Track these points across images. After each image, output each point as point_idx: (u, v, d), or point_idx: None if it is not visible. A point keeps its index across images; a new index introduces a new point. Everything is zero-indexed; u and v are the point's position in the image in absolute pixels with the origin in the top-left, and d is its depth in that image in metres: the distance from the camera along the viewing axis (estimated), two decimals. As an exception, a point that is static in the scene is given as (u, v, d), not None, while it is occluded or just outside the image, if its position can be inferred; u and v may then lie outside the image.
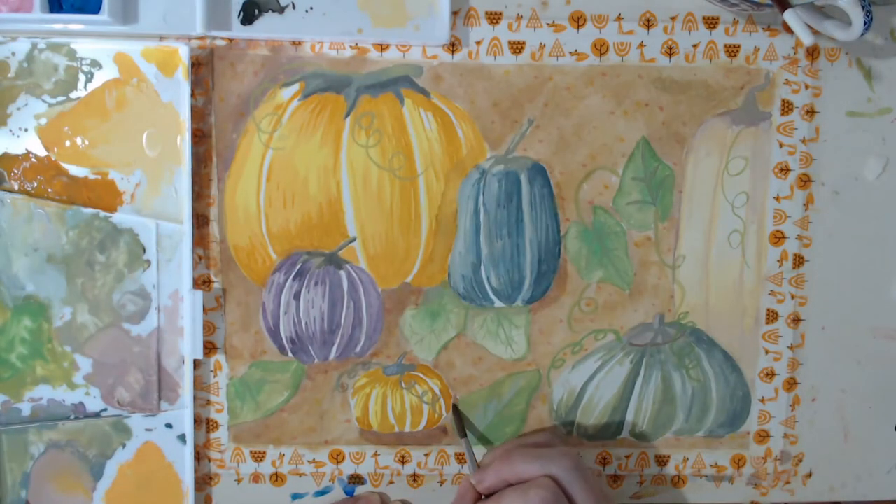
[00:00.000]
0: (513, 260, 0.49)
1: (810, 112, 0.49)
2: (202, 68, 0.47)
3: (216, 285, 0.49)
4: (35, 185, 0.47)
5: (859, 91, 0.49)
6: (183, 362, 0.48)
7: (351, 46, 0.47)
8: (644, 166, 0.49)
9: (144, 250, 0.47)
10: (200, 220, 0.48)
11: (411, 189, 0.48)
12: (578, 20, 0.48)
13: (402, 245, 0.49)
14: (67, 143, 0.47)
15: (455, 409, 0.49)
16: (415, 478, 0.51)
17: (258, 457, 0.50)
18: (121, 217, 0.47)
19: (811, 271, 0.50)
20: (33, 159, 0.47)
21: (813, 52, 0.48)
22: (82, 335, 0.48)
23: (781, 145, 0.49)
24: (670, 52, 0.48)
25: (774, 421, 0.51)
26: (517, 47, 0.48)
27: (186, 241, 0.47)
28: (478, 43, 0.48)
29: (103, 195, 0.47)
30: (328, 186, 0.48)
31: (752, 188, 0.49)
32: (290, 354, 0.49)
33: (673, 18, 0.48)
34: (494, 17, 0.48)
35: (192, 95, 0.47)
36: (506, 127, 0.48)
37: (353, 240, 0.48)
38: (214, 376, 0.49)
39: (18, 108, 0.46)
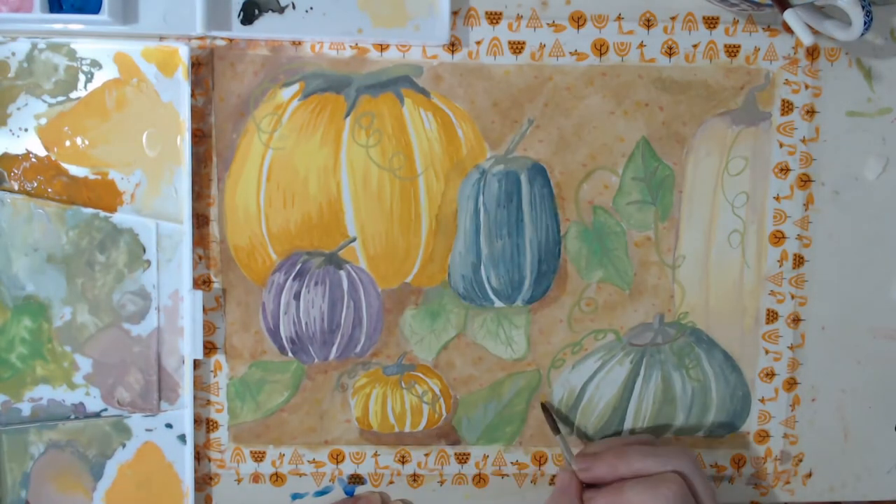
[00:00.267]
0: (513, 260, 0.49)
1: (810, 112, 0.49)
2: (202, 68, 0.47)
3: (216, 285, 0.49)
4: (35, 185, 0.47)
5: (859, 91, 0.49)
6: (183, 362, 0.48)
7: (351, 46, 0.47)
8: (644, 166, 0.49)
9: (144, 250, 0.47)
10: (200, 220, 0.48)
11: (411, 189, 0.48)
12: (578, 20, 0.48)
13: (402, 245, 0.49)
14: (67, 143, 0.47)
15: (544, 407, 0.49)
16: (415, 478, 0.51)
17: (258, 457, 0.50)
18: (121, 217, 0.47)
19: (811, 271, 0.50)
20: (33, 159, 0.47)
21: (813, 52, 0.48)
22: (82, 335, 0.48)
23: (781, 145, 0.49)
24: (670, 52, 0.48)
25: (774, 421, 0.51)
26: (517, 47, 0.48)
27: (186, 241, 0.47)
28: (478, 43, 0.48)
29: (103, 195, 0.47)
30: (328, 186, 0.48)
31: (752, 188, 0.49)
32: (290, 354, 0.49)
33: (673, 18, 0.48)
34: (494, 17, 0.48)
35: (192, 95, 0.47)
36: (506, 127, 0.48)
37: (353, 240, 0.48)
38: (214, 376, 0.49)
39: (18, 108, 0.46)
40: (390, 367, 0.50)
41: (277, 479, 0.50)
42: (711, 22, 0.48)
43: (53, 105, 0.47)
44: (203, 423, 0.49)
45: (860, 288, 0.50)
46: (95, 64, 0.46)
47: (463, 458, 0.51)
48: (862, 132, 0.49)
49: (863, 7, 0.42)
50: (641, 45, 0.48)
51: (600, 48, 0.48)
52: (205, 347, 0.49)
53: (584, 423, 0.50)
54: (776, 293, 0.50)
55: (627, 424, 0.50)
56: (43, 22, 0.45)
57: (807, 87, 0.49)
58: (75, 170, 0.47)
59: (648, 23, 0.48)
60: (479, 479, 0.51)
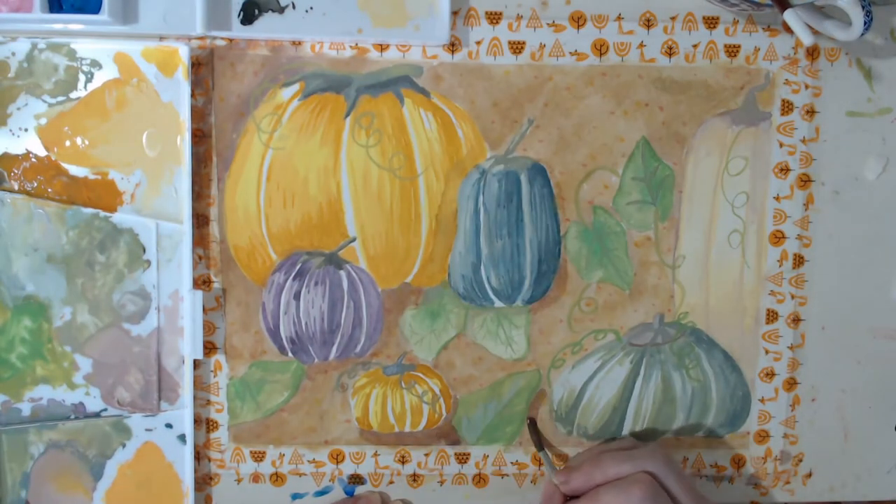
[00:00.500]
0: (513, 260, 0.49)
1: (810, 112, 0.49)
2: (202, 68, 0.47)
3: (216, 285, 0.49)
4: (35, 185, 0.47)
5: (859, 91, 0.49)
6: (183, 362, 0.48)
7: (351, 46, 0.47)
8: (644, 166, 0.49)
9: (144, 250, 0.47)
10: (200, 220, 0.48)
11: (411, 189, 0.48)
12: (578, 20, 0.48)
13: (402, 245, 0.49)
14: (67, 143, 0.47)
15: (532, 423, 0.50)
16: (415, 478, 0.51)
17: (258, 457, 0.50)
18: (121, 217, 0.47)
19: (811, 271, 0.50)
20: (33, 159, 0.47)
21: (813, 52, 0.48)
22: (82, 335, 0.48)
23: (781, 145, 0.49)
24: (670, 52, 0.48)
25: (774, 421, 0.51)
26: (517, 47, 0.48)
27: (186, 241, 0.47)
28: (478, 43, 0.48)
29: (103, 195, 0.47)
30: (328, 186, 0.48)
31: (752, 188, 0.49)
32: (290, 354, 0.49)
33: (673, 18, 0.48)
34: (494, 17, 0.48)
35: (192, 95, 0.47)
36: (506, 127, 0.48)
37: (353, 240, 0.48)
38: (214, 376, 0.49)
39: (18, 108, 0.46)
40: (390, 367, 0.50)
41: (277, 479, 0.50)
42: (711, 22, 0.48)
43: (53, 105, 0.47)
44: (203, 423, 0.49)
45: (860, 288, 0.50)
46: (95, 64, 0.46)
47: (463, 458, 0.51)
48: (862, 132, 0.49)
49: (863, 7, 0.42)
50: (641, 45, 0.48)
51: (600, 48, 0.48)
52: (205, 347, 0.49)
53: (584, 423, 0.50)
54: (776, 293, 0.50)
55: (627, 424, 0.50)
56: (43, 22, 0.45)
57: (807, 87, 0.49)
58: (75, 170, 0.47)
59: (648, 23, 0.48)
60: (479, 479, 0.51)
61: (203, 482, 0.50)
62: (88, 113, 0.47)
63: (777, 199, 0.49)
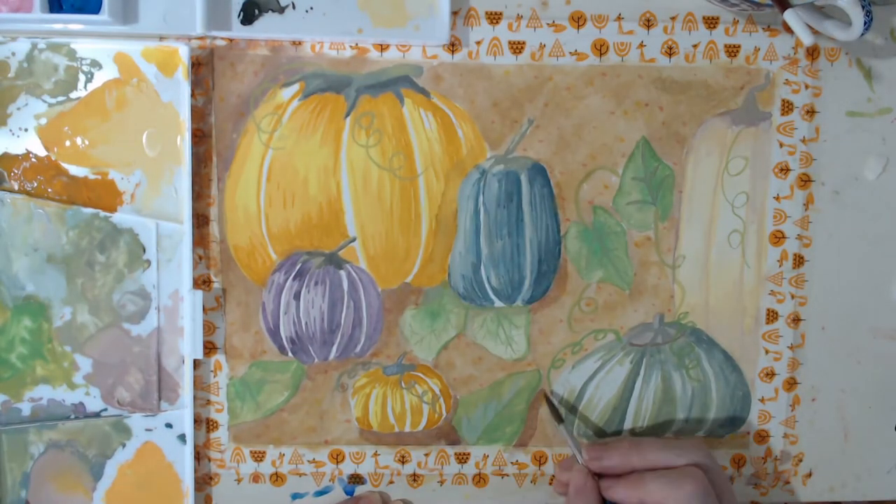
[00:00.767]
0: (513, 260, 0.49)
1: (810, 112, 0.49)
2: (202, 68, 0.47)
3: (216, 285, 0.49)
4: (35, 185, 0.47)
5: (859, 91, 0.49)
6: (183, 362, 0.48)
7: (351, 46, 0.47)
8: (644, 166, 0.49)
9: (144, 250, 0.47)
10: (200, 220, 0.48)
11: (411, 189, 0.48)
12: (578, 20, 0.48)
13: (402, 245, 0.49)
14: (67, 143, 0.47)
15: (546, 398, 0.49)
16: (415, 478, 0.51)
17: (258, 457, 0.50)
18: (121, 217, 0.47)
19: (811, 271, 0.50)
20: (33, 159, 0.47)
21: (813, 52, 0.48)
22: (82, 335, 0.48)
23: (781, 145, 0.49)
24: (670, 52, 0.48)
25: (774, 421, 0.51)
26: (517, 47, 0.48)
27: (186, 241, 0.47)
28: (478, 43, 0.48)
29: (103, 195, 0.47)
30: (328, 186, 0.48)
31: (752, 188, 0.49)
32: (290, 354, 0.49)
33: (673, 18, 0.48)
34: (494, 17, 0.48)
35: (192, 95, 0.47)
36: (506, 127, 0.48)
37: (353, 240, 0.48)
38: (214, 376, 0.49)
39: (18, 108, 0.46)
40: (390, 367, 0.50)
41: (277, 479, 0.50)
42: (711, 22, 0.48)
43: (53, 105, 0.47)
44: (203, 423, 0.49)
45: (860, 288, 0.50)
46: (95, 64, 0.46)
47: (463, 458, 0.51)
48: (862, 132, 0.49)
49: (863, 7, 0.42)
50: (641, 45, 0.48)
51: (600, 48, 0.48)
52: (205, 347, 0.49)
53: (584, 423, 0.50)
54: (776, 293, 0.50)
55: (627, 424, 0.50)
56: (43, 22, 0.45)
57: (807, 87, 0.49)
58: (75, 170, 0.47)
59: (648, 23, 0.48)
60: (479, 479, 0.51)
61: (203, 482, 0.50)
62: (88, 113, 0.47)
63: (777, 199, 0.49)
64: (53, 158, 0.47)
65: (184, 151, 0.47)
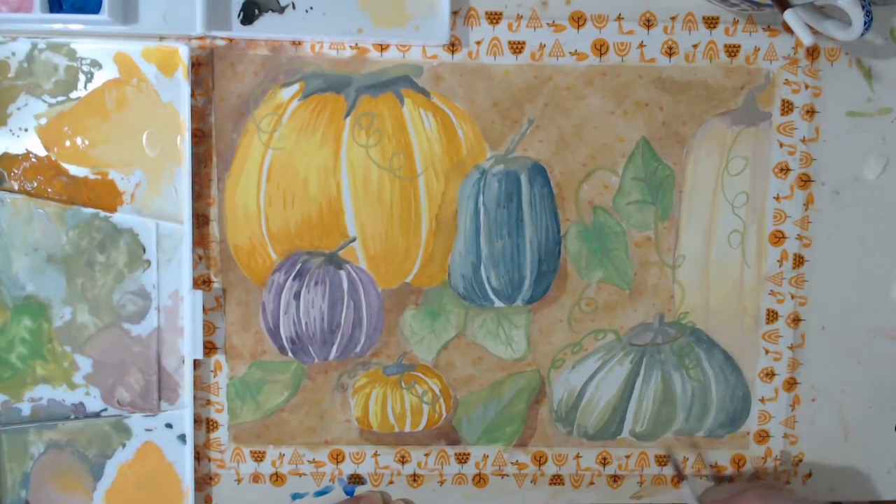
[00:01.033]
0: (513, 260, 0.49)
1: (810, 112, 0.49)
2: (202, 68, 0.47)
3: (216, 285, 0.49)
4: (35, 185, 0.47)
5: (859, 91, 0.49)
6: (183, 362, 0.48)
7: (351, 46, 0.47)
8: (644, 166, 0.49)
9: (144, 250, 0.47)
10: (200, 220, 0.48)
11: (411, 189, 0.48)
12: (578, 20, 0.48)
13: (402, 245, 0.49)
14: (67, 143, 0.47)
15: (671, 459, 0.50)
16: (415, 478, 0.51)
17: (258, 457, 0.50)
18: (121, 217, 0.47)
19: (811, 271, 0.50)
20: (33, 159, 0.47)
21: (813, 52, 0.48)
22: (82, 335, 0.48)
23: (781, 145, 0.49)
24: (670, 52, 0.48)
25: (774, 421, 0.51)
26: (517, 47, 0.48)
27: (186, 241, 0.47)
28: (478, 43, 0.48)
29: (103, 195, 0.47)
30: (328, 186, 0.48)
31: (752, 188, 0.49)
32: (290, 354, 0.49)
33: (673, 18, 0.48)
34: (494, 17, 0.48)
35: (192, 95, 0.47)
36: (506, 127, 0.48)
37: (353, 240, 0.48)
38: (214, 376, 0.49)
39: (18, 108, 0.46)
40: (390, 367, 0.50)
41: (277, 479, 0.50)
42: (711, 22, 0.48)
43: (53, 105, 0.47)
44: (203, 423, 0.49)
45: (860, 288, 0.50)
46: (95, 64, 0.46)
47: (463, 458, 0.51)
48: (862, 132, 0.49)
49: (863, 7, 0.42)
50: (641, 45, 0.48)
51: (600, 48, 0.48)
52: (205, 347, 0.49)
53: (584, 423, 0.50)
54: (776, 293, 0.50)
55: (627, 424, 0.50)
56: (43, 22, 0.45)
57: (807, 87, 0.49)
58: (75, 170, 0.47)
59: (648, 23, 0.48)
60: (479, 479, 0.51)
61: (203, 482, 0.50)
62: (88, 113, 0.47)
63: (777, 199, 0.49)
64: (53, 158, 0.47)
65: (184, 151, 0.47)
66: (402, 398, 0.50)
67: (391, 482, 0.51)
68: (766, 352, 0.50)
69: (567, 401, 0.50)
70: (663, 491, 0.51)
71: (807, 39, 0.41)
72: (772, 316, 0.50)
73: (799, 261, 0.50)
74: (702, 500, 0.47)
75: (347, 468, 0.50)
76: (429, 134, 0.48)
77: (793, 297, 0.50)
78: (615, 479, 0.51)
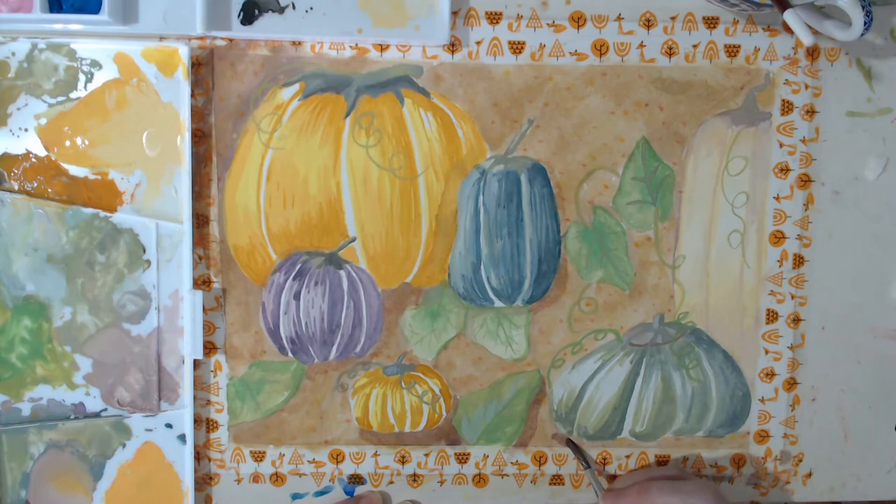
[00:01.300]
0: (513, 260, 0.49)
1: (810, 112, 0.49)
2: (202, 68, 0.47)
3: (216, 285, 0.49)
4: (35, 185, 0.47)
5: (859, 91, 0.49)
6: (183, 362, 0.48)
7: (351, 46, 0.47)
8: (644, 166, 0.49)
9: (144, 250, 0.47)
10: (200, 220, 0.48)
11: (411, 189, 0.48)
12: (578, 20, 0.48)
13: (402, 245, 0.49)
14: (67, 143, 0.47)
15: (570, 442, 0.50)
16: (415, 478, 0.51)
17: (258, 457, 0.50)
18: (121, 217, 0.47)
19: (811, 271, 0.50)
20: (33, 159, 0.47)
21: (813, 52, 0.48)
22: (82, 335, 0.48)
23: (781, 145, 0.49)
24: (670, 52, 0.48)
25: (774, 421, 0.51)
26: (517, 47, 0.48)
27: (186, 241, 0.47)
28: (478, 43, 0.48)
29: (103, 195, 0.47)
30: (328, 186, 0.48)
31: (752, 188, 0.49)
32: (290, 354, 0.49)
33: (673, 18, 0.48)
34: (494, 17, 0.48)
35: (192, 95, 0.47)
36: (506, 127, 0.48)
37: (353, 240, 0.48)
38: (214, 376, 0.49)
39: (18, 108, 0.46)
40: (390, 367, 0.50)
41: (277, 479, 0.50)
42: (711, 22, 0.48)
43: (53, 105, 0.47)
44: (203, 423, 0.49)
45: (860, 288, 0.50)
46: (95, 64, 0.46)
47: (463, 458, 0.51)
48: (862, 132, 0.49)
49: (863, 7, 0.42)
50: (641, 45, 0.48)
51: (600, 48, 0.48)
52: (205, 347, 0.49)
53: (584, 423, 0.50)
54: (776, 293, 0.50)
55: (627, 424, 0.50)
56: (43, 22, 0.45)
57: (807, 87, 0.49)
58: (75, 170, 0.47)
59: (648, 23, 0.48)
60: (479, 479, 0.51)
61: (203, 482, 0.50)
62: (88, 113, 0.47)
63: (777, 199, 0.49)
64: (53, 158, 0.47)
65: (184, 151, 0.47)
66: (402, 398, 0.50)
67: (391, 482, 0.51)
68: (766, 352, 0.50)
69: (567, 401, 0.50)
70: (663, 491, 0.51)
71: (807, 39, 0.41)
72: (772, 316, 0.50)
73: (799, 261, 0.50)
74: (605, 490, 0.47)
75: (347, 468, 0.50)
76: (429, 134, 0.48)
77: (793, 297, 0.50)
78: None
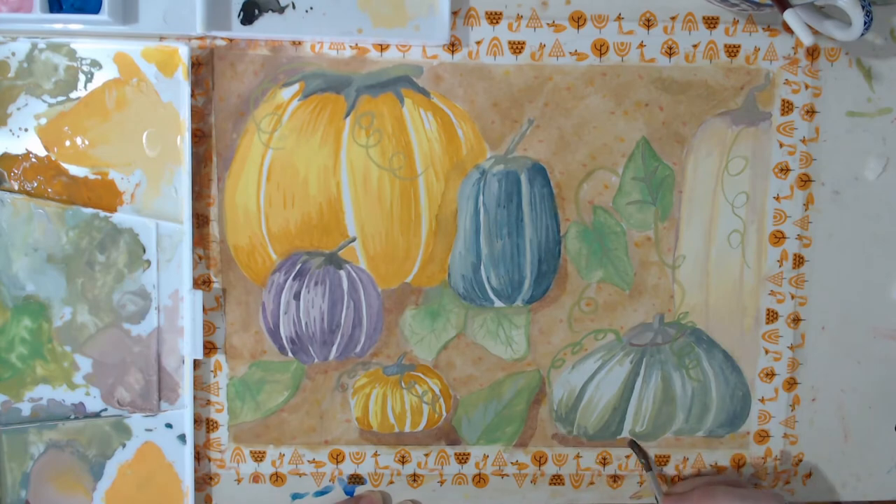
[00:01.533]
0: (513, 260, 0.49)
1: (810, 112, 0.49)
2: (202, 68, 0.47)
3: (216, 285, 0.49)
4: (35, 185, 0.47)
5: (859, 91, 0.49)
6: (183, 362, 0.48)
7: (351, 46, 0.47)
8: (644, 166, 0.49)
9: (144, 250, 0.47)
10: (200, 220, 0.48)
11: (411, 189, 0.48)
12: (578, 20, 0.48)
13: (402, 245, 0.49)
14: (67, 143, 0.47)
15: (633, 444, 0.50)
16: (415, 478, 0.51)
17: (258, 457, 0.50)
18: (121, 217, 0.47)
19: (811, 271, 0.50)
20: (33, 159, 0.47)
21: (813, 52, 0.48)
22: (82, 335, 0.48)
23: (781, 145, 0.49)
24: (670, 52, 0.48)
25: (774, 421, 0.51)
26: (517, 47, 0.48)
27: (186, 241, 0.47)
28: (478, 43, 0.48)
29: (103, 195, 0.47)
30: (328, 186, 0.48)
31: (752, 188, 0.49)
32: (290, 354, 0.49)
33: (673, 18, 0.48)
34: (494, 17, 0.48)
35: (192, 95, 0.47)
36: (506, 127, 0.48)
37: (353, 240, 0.48)
38: (214, 376, 0.49)
39: (18, 108, 0.46)
40: (390, 367, 0.50)
41: (277, 479, 0.50)
42: (711, 22, 0.48)
43: (53, 105, 0.47)
44: (203, 423, 0.49)
45: (860, 288, 0.50)
46: (95, 64, 0.46)
47: (463, 458, 0.51)
48: (862, 132, 0.49)
49: (863, 7, 0.42)
50: (641, 45, 0.48)
51: (600, 48, 0.48)
52: (205, 347, 0.49)
53: (585, 423, 0.50)
54: (776, 293, 0.50)
55: (627, 424, 0.50)
56: (43, 22, 0.45)
57: (807, 87, 0.49)
58: (75, 170, 0.47)
59: (648, 23, 0.48)
60: (479, 479, 0.51)
61: (203, 482, 0.50)
62: (88, 113, 0.47)
63: (777, 199, 0.49)
64: (53, 158, 0.47)
65: (184, 151, 0.47)
66: (402, 398, 0.50)
67: (391, 482, 0.51)
68: (766, 352, 0.50)
69: (567, 401, 0.50)
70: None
71: (807, 39, 0.41)
72: (772, 316, 0.50)
73: (799, 261, 0.50)
74: (665, 493, 0.47)
75: (347, 468, 0.50)
76: (429, 134, 0.48)
77: (793, 297, 0.50)
78: (615, 479, 0.51)
